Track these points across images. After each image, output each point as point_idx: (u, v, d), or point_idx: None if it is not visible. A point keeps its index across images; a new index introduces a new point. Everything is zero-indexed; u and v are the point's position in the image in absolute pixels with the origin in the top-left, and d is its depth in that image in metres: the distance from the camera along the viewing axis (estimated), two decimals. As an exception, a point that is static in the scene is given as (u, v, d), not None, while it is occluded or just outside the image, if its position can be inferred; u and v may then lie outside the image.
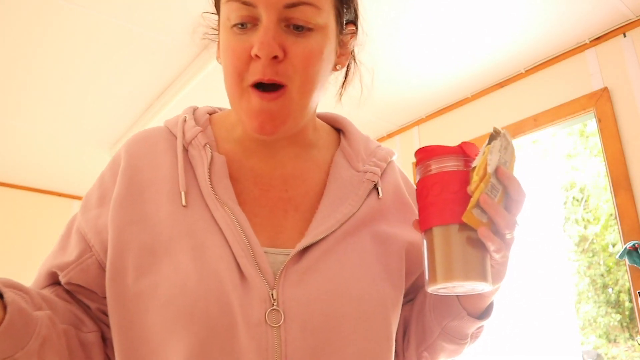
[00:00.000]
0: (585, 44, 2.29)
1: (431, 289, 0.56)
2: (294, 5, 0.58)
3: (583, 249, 3.78)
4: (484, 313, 0.68)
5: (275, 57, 0.57)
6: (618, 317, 3.58)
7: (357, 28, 0.70)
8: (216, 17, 0.68)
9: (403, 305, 0.71)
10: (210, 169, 0.64)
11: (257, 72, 0.58)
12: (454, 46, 2.30)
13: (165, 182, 0.63)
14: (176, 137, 0.68)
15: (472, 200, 0.54)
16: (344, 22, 0.67)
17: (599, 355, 3.58)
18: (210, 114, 0.73)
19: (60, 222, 4.21)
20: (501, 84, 2.61)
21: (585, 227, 3.79)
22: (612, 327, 3.59)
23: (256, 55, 0.57)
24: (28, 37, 2.23)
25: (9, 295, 0.52)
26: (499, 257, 0.56)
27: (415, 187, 0.62)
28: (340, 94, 0.76)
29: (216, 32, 0.68)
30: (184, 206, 0.61)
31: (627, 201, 2.06)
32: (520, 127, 2.48)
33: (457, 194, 0.56)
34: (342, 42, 0.67)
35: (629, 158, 2.09)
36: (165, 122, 0.72)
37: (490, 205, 0.53)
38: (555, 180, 3.67)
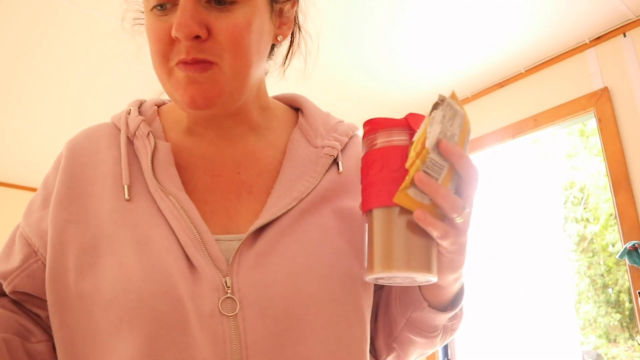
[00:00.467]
0: (585, 43, 2.29)
1: (368, 277, 0.51)
2: None
3: (583, 249, 3.78)
4: (450, 305, 0.62)
5: (197, 37, 0.54)
6: (618, 317, 3.58)
7: None
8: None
9: (375, 291, 0.66)
10: (153, 158, 0.60)
11: (181, 52, 0.55)
12: (453, 46, 2.30)
13: (109, 178, 0.60)
14: (121, 131, 0.65)
15: (406, 179, 0.48)
16: None
17: (599, 355, 3.58)
18: (158, 106, 0.70)
19: (60, 222, 4.21)
20: (501, 84, 2.61)
21: (585, 227, 3.79)
22: (612, 327, 3.59)
23: (176, 37, 0.54)
24: (28, 37, 2.23)
25: None
26: (446, 244, 0.50)
27: None
28: (284, 65, 0.70)
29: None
30: (127, 200, 0.58)
31: (627, 201, 2.06)
32: (520, 127, 2.48)
33: (397, 172, 0.50)
34: (280, 11, 0.62)
35: (629, 158, 2.09)
36: (112, 117, 0.69)
37: (426, 185, 0.47)
38: (555, 180, 3.67)
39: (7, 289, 0.59)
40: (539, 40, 2.29)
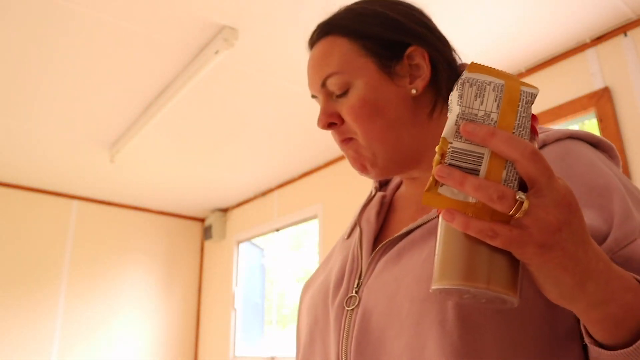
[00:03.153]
0: (586, 43, 2.28)
1: (431, 290, 0.44)
2: (324, 83, 0.69)
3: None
4: (625, 342, 0.45)
5: (331, 124, 0.70)
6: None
7: (421, 44, 0.70)
8: None
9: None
10: (368, 204, 0.77)
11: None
12: (453, 46, 2.29)
13: (350, 225, 0.79)
14: None
15: (431, 176, 0.42)
16: (394, 53, 0.69)
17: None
18: None
19: (59, 222, 4.21)
20: (501, 84, 2.60)
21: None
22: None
23: None
24: (27, 36, 2.23)
25: None
26: (513, 248, 0.40)
27: (593, 182, 0.55)
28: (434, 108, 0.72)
29: None
30: (346, 239, 0.76)
31: (627, 201, 2.05)
32: (521, 127, 2.48)
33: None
34: (400, 72, 0.68)
35: (629, 158, 2.09)
36: None
37: (447, 177, 0.40)
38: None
39: None
40: (539, 40, 2.28)
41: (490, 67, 0.42)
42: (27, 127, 3.09)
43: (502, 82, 0.42)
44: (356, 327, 0.60)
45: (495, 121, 0.41)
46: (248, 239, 4.54)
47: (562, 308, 0.48)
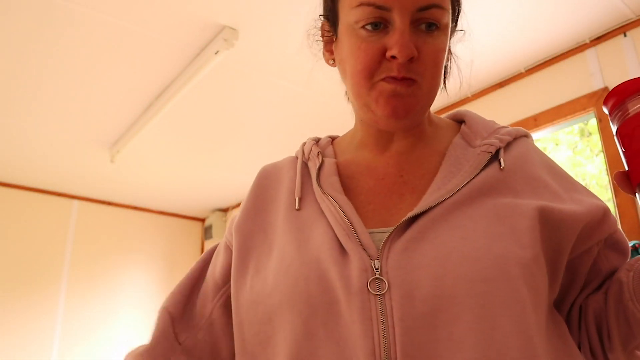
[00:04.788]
0: (586, 43, 2.29)
1: None
2: (426, 8, 0.61)
3: (583, 249, 3.75)
4: None
5: (411, 58, 0.60)
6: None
7: (456, 26, 0.74)
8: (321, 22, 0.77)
9: (589, 295, 0.65)
10: (320, 171, 0.70)
11: (391, 70, 0.61)
12: (453, 46, 2.29)
13: (285, 195, 0.70)
14: (298, 158, 0.76)
15: None
16: (456, 20, 0.71)
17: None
18: (332, 139, 0.80)
19: (60, 222, 4.22)
20: (501, 84, 2.60)
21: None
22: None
23: (392, 57, 0.60)
24: (27, 36, 2.23)
25: None
26: None
27: (562, 171, 0.65)
28: (444, 84, 0.78)
29: (329, 34, 0.73)
30: (297, 210, 0.67)
31: (627, 201, 2.05)
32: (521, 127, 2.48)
33: None
34: (451, 35, 0.70)
35: (629, 158, 2.09)
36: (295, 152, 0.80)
37: None
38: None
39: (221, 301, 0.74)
40: (539, 40, 2.28)
41: None
42: (27, 126, 3.09)
43: None
44: (396, 314, 0.53)
45: None
46: (248, 239, 4.53)
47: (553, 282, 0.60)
